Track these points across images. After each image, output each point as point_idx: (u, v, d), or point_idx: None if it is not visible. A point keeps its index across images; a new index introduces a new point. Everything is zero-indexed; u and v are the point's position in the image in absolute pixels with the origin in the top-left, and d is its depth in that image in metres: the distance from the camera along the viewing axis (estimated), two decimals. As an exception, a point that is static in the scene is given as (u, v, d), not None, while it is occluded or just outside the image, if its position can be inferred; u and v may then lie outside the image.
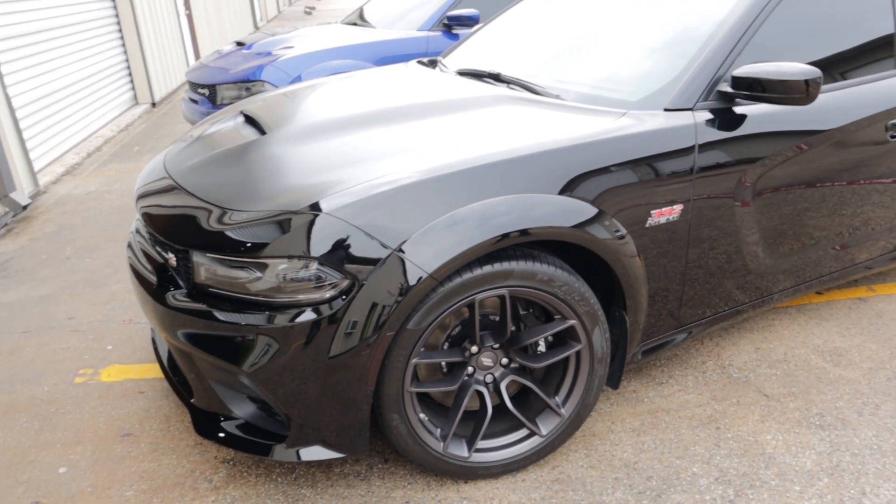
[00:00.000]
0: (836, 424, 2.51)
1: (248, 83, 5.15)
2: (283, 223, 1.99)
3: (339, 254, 1.91)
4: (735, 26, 2.48)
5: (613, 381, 2.45)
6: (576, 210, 2.10)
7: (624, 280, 2.25)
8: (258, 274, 1.98)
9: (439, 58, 3.44)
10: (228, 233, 2.02)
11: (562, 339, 2.28)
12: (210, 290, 2.08)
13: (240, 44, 5.86)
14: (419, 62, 3.45)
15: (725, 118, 2.38)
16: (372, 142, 2.30)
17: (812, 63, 2.62)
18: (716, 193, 2.37)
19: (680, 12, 2.68)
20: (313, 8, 20.39)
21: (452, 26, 5.20)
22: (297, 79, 5.09)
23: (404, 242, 1.92)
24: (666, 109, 2.34)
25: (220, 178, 2.29)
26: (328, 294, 1.94)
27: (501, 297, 2.10)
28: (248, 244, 1.97)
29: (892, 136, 2.76)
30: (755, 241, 2.58)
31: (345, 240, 1.92)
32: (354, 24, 5.87)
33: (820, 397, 2.66)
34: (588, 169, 2.13)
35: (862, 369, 2.82)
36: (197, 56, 11.65)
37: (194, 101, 5.51)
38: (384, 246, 1.91)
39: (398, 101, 2.66)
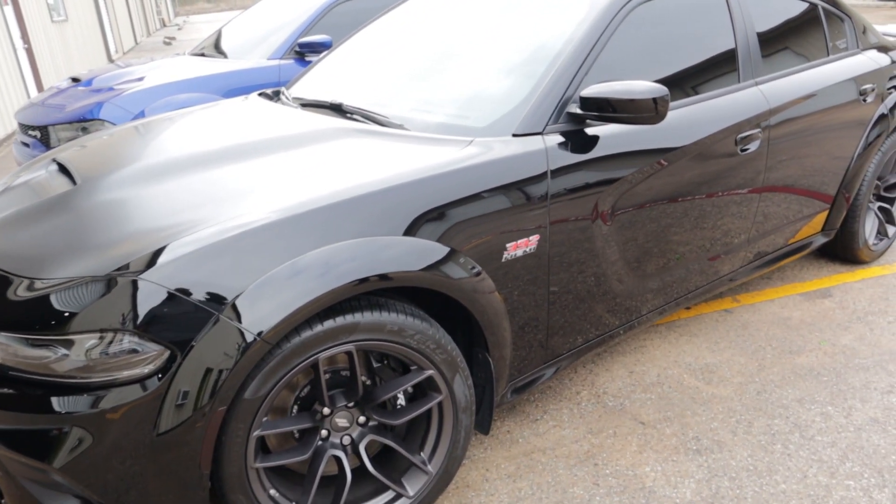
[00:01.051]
0: (713, 447, 2.44)
1: (84, 122, 4.72)
2: (88, 291, 1.70)
3: (157, 322, 1.64)
4: (581, 45, 2.39)
5: (483, 425, 2.28)
6: (424, 251, 1.92)
7: (483, 320, 2.09)
8: (64, 352, 1.68)
9: (283, 88, 3.21)
10: (25, 306, 1.71)
11: (422, 391, 2.08)
12: (11, 373, 1.75)
13: (75, 80, 5.39)
14: (261, 94, 3.20)
15: (578, 140, 2.28)
16: (196, 189, 2.04)
17: (661, 80, 2.57)
18: (573, 219, 2.26)
19: (527, 33, 2.57)
20: (173, 38, 19.57)
21: (305, 53, 4.97)
22: (140, 115, 4.71)
23: (235, 299, 1.67)
24: (515, 135, 2.21)
25: (19, 240, 1.97)
26: (147, 369, 1.66)
27: (350, 353, 1.88)
28: (49, 318, 1.67)
29: (743, 150, 2.75)
30: (619, 263, 2.49)
31: (162, 305, 1.66)
32: (202, 54, 5.53)
33: (695, 419, 2.59)
34: (434, 205, 1.96)
35: (733, 385, 2.78)
36: (41, 93, 10.84)
37: (26, 145, 5.01)
38: (208, 308, 1.66)
39: (231, 140, 2.40)
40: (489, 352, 2.17)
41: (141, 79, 4.96)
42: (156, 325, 1.64)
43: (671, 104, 2.57)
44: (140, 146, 2.49)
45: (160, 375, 1.65)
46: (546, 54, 2.41)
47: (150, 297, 1.66)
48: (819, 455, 2.39)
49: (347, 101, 2.68)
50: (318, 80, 3.04)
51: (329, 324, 1.80)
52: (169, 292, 1.66)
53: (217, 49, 5.58)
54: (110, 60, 16.57)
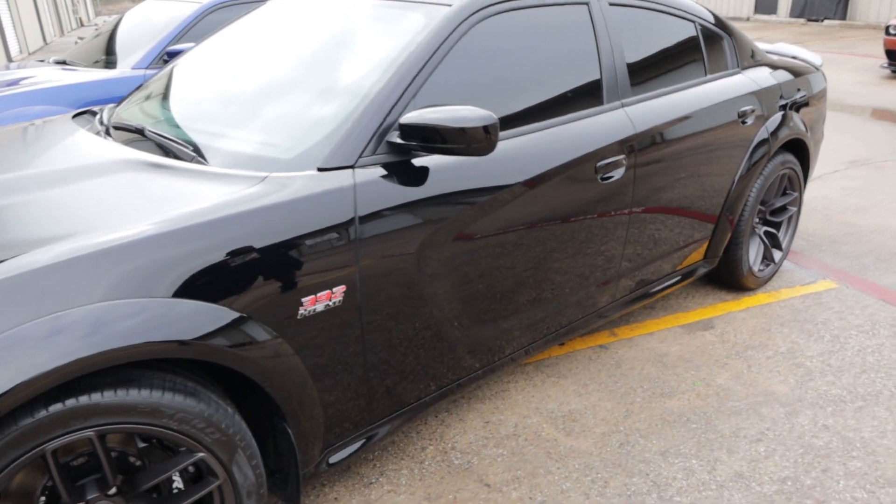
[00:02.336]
0: (561, 514, 2.18)
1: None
2: None
3: None
4: (410, 63, 2.11)
5: (292, 500, 1.98)
6: (203, 316, 1.60)
7: (276, 390, 1.79)
8: None
9: (109, 107, 2.84)
10: None
11: (200, 472, 1.76)
12: None
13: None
14: (80, 113, 2.83)
15: (400, 173, 2.00)
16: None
17: (509, 103, 2.31)
18: (394, 263, 1.97)
19: (357, 51, 2.28)
20: (83, 39, 18.69)
21: (173, 62, 4.58)
22: (-16, 127, 4.24)
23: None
24: (321, 169, 1.90)
25: None
26: None
27: (92, 440, 1.55)
28: None
29: (605, 178, 2.51)
30: (462, 304, 2.21)
31: None
32: (65, 62, 5.09)
33: (546, 479, 2.33)
34: (209, 256, 1.64)
35: (595, 436, 2.54)
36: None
37: None
38: None
39: (5, 170, 2.04)
40: (287, 421, 1.87)
41: (-9, 87, 4.50)
42: None
43: (518, 130, 2.31)
44: None
45: None
46: (370, 74, 2.13)
47: None
48: (676, 520, 2.16)
49: (153, 124, 2.33)
50: (142, 99, 2.68)
51: (57, 408, 1.47)
52: None
53: (83, 56, 5.14)
54: (10, 60, 15.68)
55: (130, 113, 2.54)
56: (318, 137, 1.99)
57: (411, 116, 1.95)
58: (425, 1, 2.36)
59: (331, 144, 1.94)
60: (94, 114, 2.78)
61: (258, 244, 1.71)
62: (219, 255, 1.65)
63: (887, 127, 7.05)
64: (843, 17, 16.64)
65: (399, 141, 1.98)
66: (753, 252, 3.56)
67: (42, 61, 5.34)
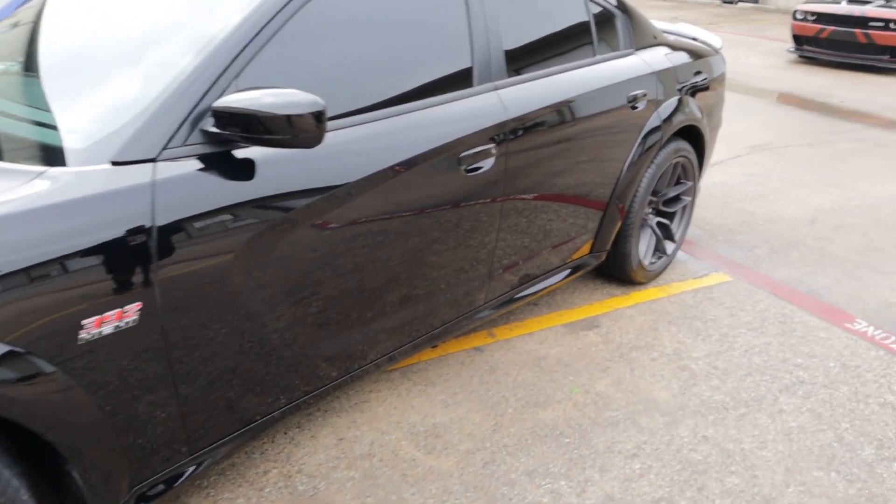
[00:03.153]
0: (408, 551, 1.93)
1: None
2: None
3: None
4: (237, 34, 1.78)
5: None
6: None
7: (55, 430, 1.46)
8: None
9: None
10: None
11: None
12: None
13: None
14: None
15: (220, 167, 1.67)
16: None
17: (352, 86, 2.00)
18: (208, 273, 1.66)
19: (170, 23, 1.92)
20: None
21: None
22: None
23: None
24: (115, 162, 1.56)
25: None
26: None
27: None
28: None
29: (470, 169, 2.24)
30: (296, 315, 1.92)
31: None
32: None
33: (398, 508, 2.07)
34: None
35: (458, 454, 2.30)
36: None
37: None
38: None
39: None
40: (70, 462, 1.54)
41: None
42: None
43: (366, 117, 2.01)
44: None
45: None
46: (185, 51, 1.78)
47: None
48: (535, 554, 1.93)
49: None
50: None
51: None
52: None
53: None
54: None
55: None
56: (117, 125, 1.64)
57: (226, 101, 1.63)
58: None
59: (128, 133, 1.60)
60: None
61: (24, 258, 1.36)
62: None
63: (791, 111, 7.06)
64: (756, 1, 16.89)
65: (213, 130, 1.66)
66: (644, 245, 3.37)
67: None
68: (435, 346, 2.86)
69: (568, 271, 3.03)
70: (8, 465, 1.45)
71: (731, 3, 17.00)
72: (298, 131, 1.62)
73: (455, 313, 2.51)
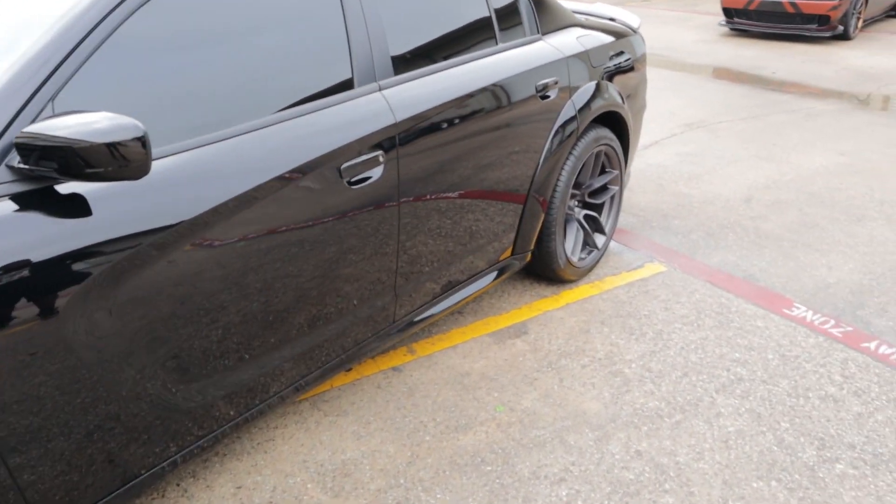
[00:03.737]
0: None
1: None
2: None
3: None
4: (52, 45, 1.51)
5: None
6: None
7: None
8: None
9: None
10: None
11: None
12: None
13: None
14: None
15: (41, 206, 1.42)
16: None
17: (206, 94, 1.75)
18: (34, 331, 1.40)
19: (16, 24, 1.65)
20: None
21: None
22: None
23: None
24: None
25: None
26: None
27: None
28: None
29: (354, 181, 2.01)
30: (159, 365, 1.67)
31: None
32: None
33: (298, 568, 1.84)
34: None
35: (368, 495, 2.08)
36: None
37: None
38: None
39: None
40: None
41: None
42: None
43: (222, 133, 1.76)
44: None
45: None
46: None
47: None
48: None
49: None
50: None
51: None
52: None
53: None
54: None
55: None
56: None
57: (34, 129, 1.37)
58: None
59: None
60: None
61: None
62: None
63: (724, 86, 6.96)
64: (689, -25, 16.88)
65: (19, 165, 1.40)
66: (571, 241, 3.18)
67: None
68: (349, 370, 2.63)
69: (492, 275, 2.82)
70: None
71: (663, -22, 16.95)
72: (123, 160, 1.37)
73: (367, 331, 2.30)
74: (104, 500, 1.70)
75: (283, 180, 1.81)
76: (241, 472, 2.18)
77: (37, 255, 1.40)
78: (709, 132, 5.52)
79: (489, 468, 2.19)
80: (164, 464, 1.84)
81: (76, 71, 1.53)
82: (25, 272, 1.38)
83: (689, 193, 4.33)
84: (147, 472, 1.79)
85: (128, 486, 1.75)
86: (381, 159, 2.06)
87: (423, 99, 2.22)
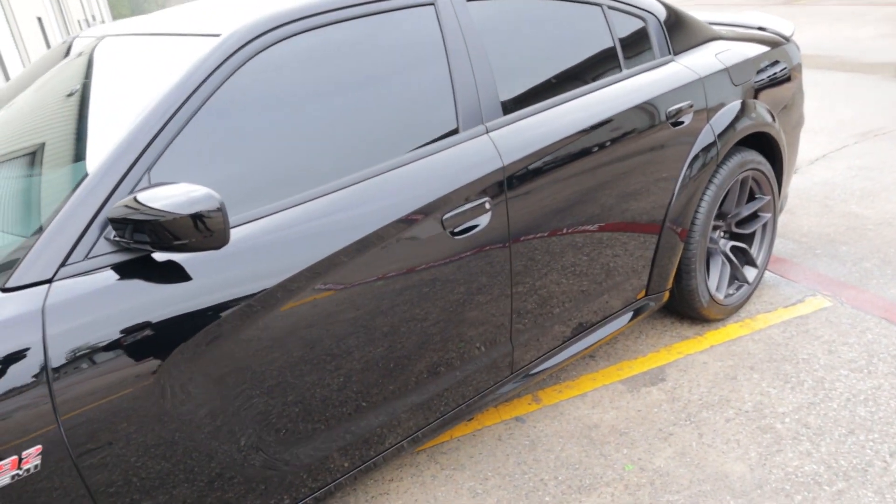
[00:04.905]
0: None
1: None
2: None
3: None
4: (151, 119, 1.55)
5: None
6: None
7: None
8: None
9: None
10: None
11: None
12: None
13: None
14: None
15: (136, 274, 1.44)
16: None
17: (307, 154, 1.73)
18: (125, 401, 1.43)
19: (98, 109, 1.73)
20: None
21: None
22: None
23: None
24: (5, 289, 1.36)
25: None
26: None
27: None
28: None
29: (458, 232, 1.91)
30: (252, 426, 1.66)
31: None
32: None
33: None
34: None
35: (480, 563, 1.95)
36: None
37: None
38: None
39: None
40: None
41: None
42: None
43: (320, 190, 1.73)
44: None
45: None
46: (99, 142, 1.57)
47: None
48: None
49: None
50: None
51: None
52: None
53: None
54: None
55: None
56: (3, 243, 1.44)
57: (120, 209, 1.40)
58: (194, 33, 1.79)
59: (23, 254, 1.40)
60: None
61: None
62: None
63: (908, 87, 6.22)
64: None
65: (116, 238, 1.43)
66: (716, 276, 2.90)
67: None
68: (470, 419, 2.52)
69: (626, 317, 2.62)
70: None
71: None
72: (198, 233, 1.36)
73: (489, 380, 2.19)
74: None
75: (382, 235, 1.75)
76: (354, 528, 2.13)
77: (136, 320, 1.41)
78: (890, 141, 4.92)
79: (613, 538, 1.99)
80: None
81: (172, 141, 1.55)
82: (128, 337, 1.40)
83: (863, 214, 3.85)
84: None
85: None
86: (487, 206, 1.95)
87: (534, 139, 2.08)
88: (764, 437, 2.31)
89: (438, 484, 2.26)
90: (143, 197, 1.37)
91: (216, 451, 1.60)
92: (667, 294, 2.75)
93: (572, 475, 2.24)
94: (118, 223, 1.41)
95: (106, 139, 1.56)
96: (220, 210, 1.36)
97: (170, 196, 1.35)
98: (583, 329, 2.46)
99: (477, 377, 2.14)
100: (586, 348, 2.48)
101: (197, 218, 1.33)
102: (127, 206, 1.39)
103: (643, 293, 2.66)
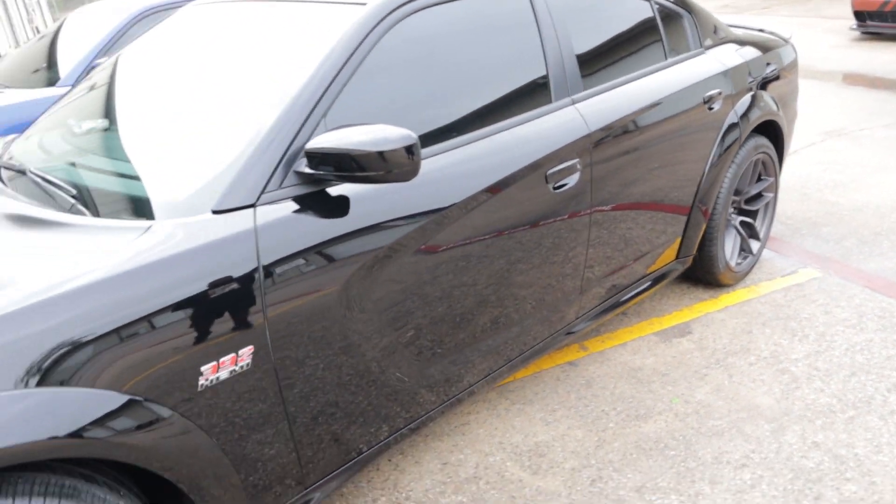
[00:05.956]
0: (527, 575, 1.93)
1: None
2: None
3: None
4: (320, 76, 1.82)
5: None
6: (65, 405, 1.32)
7: (178, 472, 1.52)
8: None
9: (6, 138, 2.53)
10: None
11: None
12: None
13: None
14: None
15: (315, 207, 1.72)
16: None
17: (434, 113, 2.03)
18: (313, 310, 1.70)
19: (259, 66, 1.99)
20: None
21: (100, 75, 4.24)
22: None
23: None
24: (215, 211, 1.62)
25: None
26: None
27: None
28: None
29: (558, 187, 2.24)
30: (398, 344, 1.95)
31: None
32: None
33: (511, 531, 2.08)
34: (83, 333, 1.37)
35: (564, 473, 2.29)
36: None
37: None
38: None
39: None
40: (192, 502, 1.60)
41: None
42: None
43: (451, 143, 2.03)
44: None
45: None
46: (273, 93, 1.84)
47: None
48: (655, 573, 1.91)
49: (36, 163, 2.03)
50: (37, 132, 2.37)
51: None
52: None
53: (11, 75, 4.78)
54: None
55: (23, 147, 2.24)
56: (212, 174, 1.70)
57: (318, 142, 1.67)
58: (337, 1, 2.07)
59: (226, 181, 1.66)
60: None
61: (142, 311, 1.43)
62: (96, 326, 1.37)
63: (862, 92, 6.83)
64: (811, -21, 16.37)
65: (308, 171, 1.70)
66: (729, 246, 3.31)
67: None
68: (528, 365, 2.85)
69: (655, 279, 2.99)
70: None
71: (783, -16, 16.51)
72: (392, 166, 1.64)
73: (549, 330, 2.51)
74: (337, 470, 1.97)
75: (507, 180, 2.07)
76: (443, 450, 2.44)
77: (309, 244, 1.68)
78: (850, 140, 5.46)
79: (673, 453, 2.36)
80: (380, 443, 2.10)
81: (339, 93, 1.83)
82: (304, 260, 1.67)
83: (837, 202, 4.34)
84: (367, 450, 2.05)
85: (353, 460, 2.01)
86: (577, 166, 2.29)
87: (610, 111, 2.43)
88: (783, 377, 2.72)
89: (513, 415, 2.59)
90: (345, 133, 1.64)
91: (372, 366, 1.88)
92: (691, 259, 3.14)
93: (628, 406, 2.60)
94: (315, 156, 1.67)
95: (283, 91, 1.82)
96: (417, 146, 1.65)
97: (372, 133, 1.63)
98: (625, 286, 2.81)
99: (551, 318, 2.47)
100: (631, 302, 2.84)
101: (403, 151, 1.62)
102: (329, 142, 1.65)
103: (673, 257, 3.05)
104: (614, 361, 2.86)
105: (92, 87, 2.38)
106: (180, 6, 4.59)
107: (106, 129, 2.07)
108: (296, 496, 1.89)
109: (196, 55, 2.18)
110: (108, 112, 2.16)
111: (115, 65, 2.43)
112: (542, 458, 2.37)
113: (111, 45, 4.40)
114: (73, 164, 1.95)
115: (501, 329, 2.28)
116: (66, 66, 4.35)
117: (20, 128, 4.04)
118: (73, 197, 1.76)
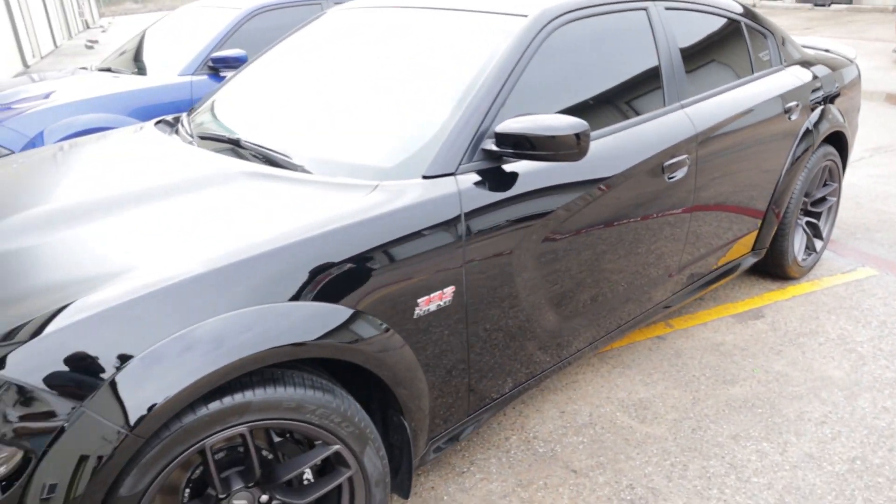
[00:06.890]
0: (647, 497, 2.31)
1: (-23, 146, 4.35)
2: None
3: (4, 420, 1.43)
4: (497, 73, 2.24)
5: (403, 489, 2.11)
6: (325, 316, 1.73)
7: (393, 380, 1.92)
8: None
9: (184, 116, 2.97)
10: None
11: (330, 465, 1.89)
12: None
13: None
14: (160, 122, 2.95)
15: (494, 179, 2.12)
16: (60, 251, 1.80)
17: (583, 107, 2.43)
18: (492, 264, 2.10)
19: (441, 62, 2.40)
20: (95, 41, 18.69)
21: (219, 69, 4.70)
22: (38, 137, 4.37)
23: (106, 385, 1.46)
24: (425, 177, 2.03)
25: None
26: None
27: (243, 435, 1.68)
28: None
29: (670, 177, 2.64)
30: (545, 302, 2.34)
31: (15, 401, 1.43)
32: (109, 69, 5.20)
33: (629, 464, 2.46)
34: (336, 261, 1.77)
35: (667, 422, 2.67)
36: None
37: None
38: (72, 399, 1.45)
39: (116, 184, 2.16)
40: (403, 414, 2.00)
41: (41, 97, 4.61)
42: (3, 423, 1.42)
43: (596, 133, 2.44)
44: (15, 190, 2.23)
45: (16, 477, 1.43)
46: (459, 86, 2.25)
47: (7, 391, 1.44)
48: (756, 499, 2.29)
49: (247, 135, 2.46)
50: (223, 106, 2.80)
51: (215, 406, 1.60)
52: (22, 385, 1.44)
53: (126, 63, 5.26)
54: (25, 66, 15.78)
55: (215, 123, 2.66)
56: (418, 147, 2.11)
57: (509, 125, 2.06)
58: (499, 12, 2.48)
59: (432, 154, 2.07)
60: (170, 124, 2.90)
61: (382, 247, 1.84)
62: (346, 257, 1.78)
63: (906, 113, 7.15)
64: (850, 1, 16.69)
65: (494, 148, 2.10)
66: (798, 242, 3.68)
67: (83, 69, 5.45)
68: (623, 336, 3.23)
69: (733, 267, 3.37)
70: (360, 409, 1.91)
71: (823, 5, 16.85)
72: (563, 148, 2.04)
73: (643, 306, 2.89)
74: (479, 410, 2.35)
75: (636, 168, 2.46)
76: (559, 402, 2.83)
77: (493, 209, 2.08)
78: (898, 156, 5.80)
79: (760, 410, 2.73)
80: (504, 395, 2.48)
81: (512, 87, 2.24)
82: (491, 222, 2.07)
83: (889, 211, 4.69)
84: (494, 399, 2.42)
85: (491, 403, 2.39)
86: (686, 162, 2.68)
87: (711, 115, 2.82)
88: (850, 355, 3.08)
89: (615, 376, 2.98)
90: (529, 120, 2.04)
91: (528, 314, 2.27)
92: (764, 252, 3.52)
93: (715, 373, 2.97)
94: (504, 137, 2.06)
95: (467, 85, 2.22)
96: (588, 133, 2.04)
97: (549, 120, 2.02)
98: (709, 271, 3.19)
99: (655, 292, 2.85)
100: (712, 286, 3.22)
101: (574, 137, 2.02)
102: (514, 126, 2.05)
103: (750, 248, 3.42)
104: (698, 337, 3.24)
105: (274, 72, 2.80)
106: (290, 6, 5.03)
107: (315, 109, 2.49)
108: (457, 423, 2.28)
109: (381, 54, 2.59)
110: (309, 96, 2.58)
111: (290, 53, 2.85)
112: (646, 410, 2.75)
113: (226, 39, 4.86)
114: (279, 135, 2.37)
115: (614, 300, 2.67)
116: (185, 58, 4.80)
117: (153, 109, 4.50)
118: (295, 160, 2.17)
